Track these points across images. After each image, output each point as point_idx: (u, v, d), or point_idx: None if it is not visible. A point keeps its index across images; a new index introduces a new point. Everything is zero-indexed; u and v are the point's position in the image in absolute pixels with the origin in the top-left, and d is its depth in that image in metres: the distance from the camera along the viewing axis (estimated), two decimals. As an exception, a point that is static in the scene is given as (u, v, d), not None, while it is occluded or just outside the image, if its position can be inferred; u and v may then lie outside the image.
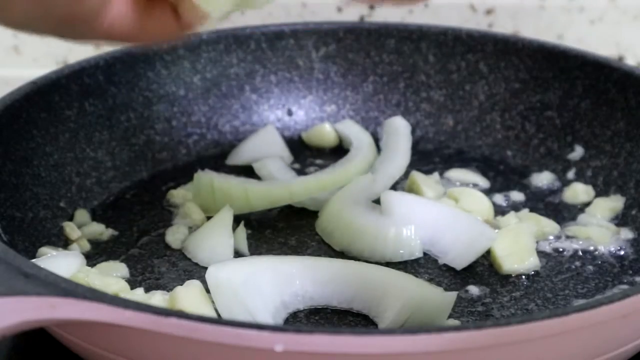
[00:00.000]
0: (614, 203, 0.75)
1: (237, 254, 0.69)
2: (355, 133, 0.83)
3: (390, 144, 0.81)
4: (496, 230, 0.71)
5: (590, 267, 0.69)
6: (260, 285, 0.63)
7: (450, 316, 0.63)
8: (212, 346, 0.51)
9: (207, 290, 0.63)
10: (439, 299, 0.63)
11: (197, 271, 0.68)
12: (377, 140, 0.83)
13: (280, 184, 0.75)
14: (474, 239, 0.69)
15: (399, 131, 0.82)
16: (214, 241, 0.69)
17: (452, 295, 0.63)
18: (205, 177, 0.74)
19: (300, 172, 0.80)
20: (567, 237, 0.72)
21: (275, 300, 0.63)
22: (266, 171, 0.78)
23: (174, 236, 0.71)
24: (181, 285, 0.63)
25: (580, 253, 0.71)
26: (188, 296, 0.62)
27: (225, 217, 0.71)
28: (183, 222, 0.73)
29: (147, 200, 0.76)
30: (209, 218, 0.72)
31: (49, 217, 0.71)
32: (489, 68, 0.84)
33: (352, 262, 0.68)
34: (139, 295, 0.64)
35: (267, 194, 0.73)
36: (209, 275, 0.63)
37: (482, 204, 0.74)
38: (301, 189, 0.74)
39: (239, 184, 0.74)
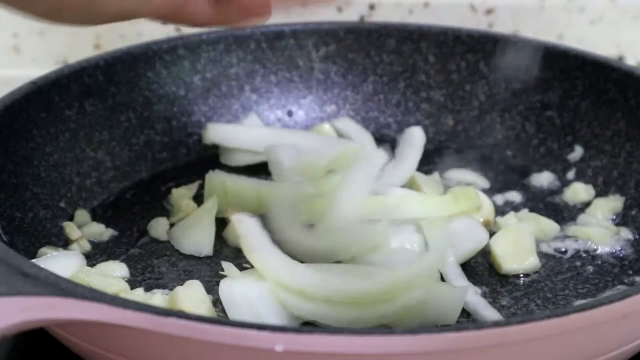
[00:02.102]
0: (614, 203, 0.75)
1: (239, 251, 0.69)
2: (355, 131, 0.83)
3: (402, 153, 0.81)
4: (495, 231, 0.71)
5: (590, 267, 0.69)
6: (272, 299, 0.62)
7: (450, 316, 0.63)
8: (212, 346, 0.51)
9: (207, 291, 0.63)
10: (449, 294, 0.63)
11: (197, 271, 0.68)
12: (378, 141, 0.83)
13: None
14: (466, 239, 0.69)
15: (412, 142, 0.81)
16: (197, 230, 0.70)
17: (464, 289, 0.63)
18: (217, 179, 0.73)
19: (301, 172, 0.80)
20: (567, 237, 0.72)
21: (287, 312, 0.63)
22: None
23: (157, 229, 0.72)
24: (181, 285, 0.63)
25: (581, 253, 0.71)
26: (188, 296, 0.62)
27: (209, 207, 0.71)
28: (176, 217, 0.73)
29: (147, 200, 0.76)
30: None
31: (49, 217, 0.71)
32: (489, 68, 0.84)
33: (352, 265, 0.67)
34: (139, 295, 0.64)
35: None
36: (222, 291, 0.63)
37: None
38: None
39: (251, 186, 0.73)
